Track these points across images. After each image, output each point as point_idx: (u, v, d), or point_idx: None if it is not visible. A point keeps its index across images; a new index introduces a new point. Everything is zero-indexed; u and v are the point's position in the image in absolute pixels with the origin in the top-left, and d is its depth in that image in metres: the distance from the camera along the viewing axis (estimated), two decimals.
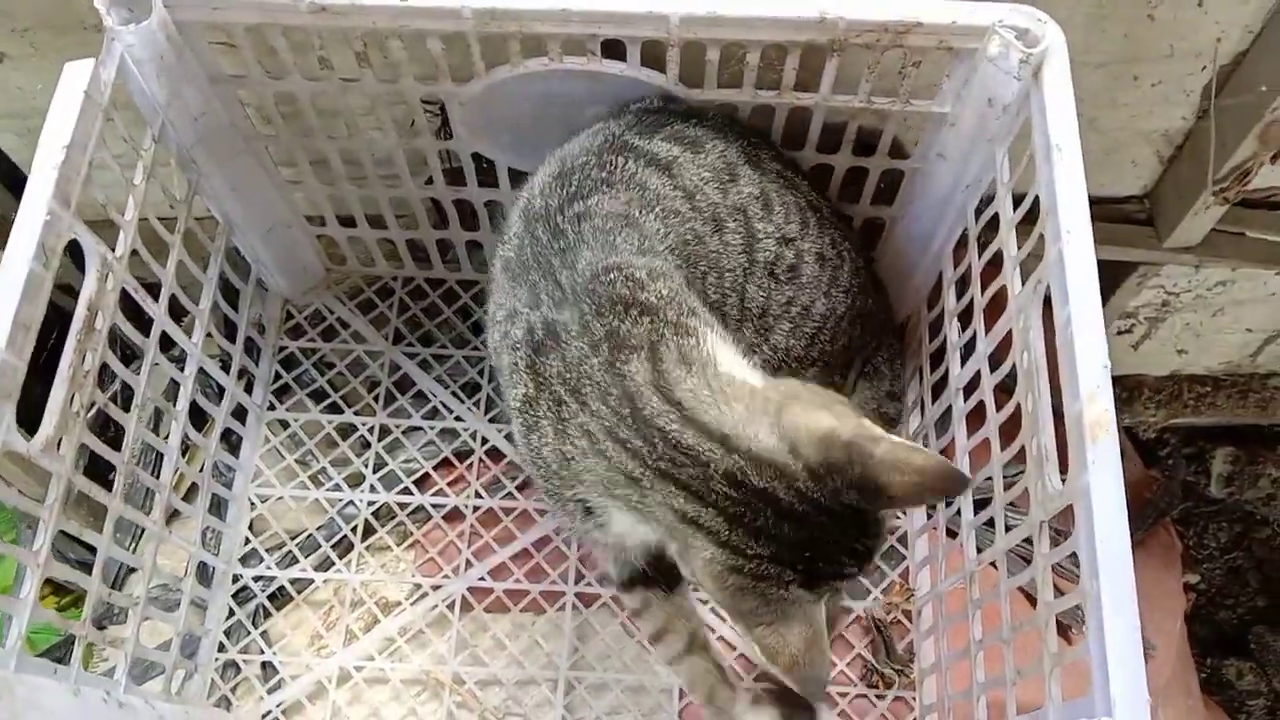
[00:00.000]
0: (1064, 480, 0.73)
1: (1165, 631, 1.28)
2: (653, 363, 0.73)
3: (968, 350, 0.95)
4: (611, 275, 0.77)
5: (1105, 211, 1.42)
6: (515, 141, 1.00)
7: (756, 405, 0.72)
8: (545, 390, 0.77)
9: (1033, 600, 0.94)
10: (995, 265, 0.90)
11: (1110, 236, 1.42)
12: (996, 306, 0.89)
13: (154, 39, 0.85)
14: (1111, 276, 1.55)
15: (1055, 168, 0.77)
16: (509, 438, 1.15)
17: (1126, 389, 1.89)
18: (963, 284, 0.98)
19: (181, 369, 1.01)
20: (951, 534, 1.01)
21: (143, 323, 0.92)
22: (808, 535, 0.70)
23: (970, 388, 0.95)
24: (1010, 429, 0.85)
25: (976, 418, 0.92)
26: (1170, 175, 1.42)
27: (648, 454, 0.72)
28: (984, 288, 0.92)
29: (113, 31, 0.83)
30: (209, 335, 1.05)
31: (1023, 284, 0.83)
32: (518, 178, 1.05)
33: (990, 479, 0.88)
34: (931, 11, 0.83)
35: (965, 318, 0.97)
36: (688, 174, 0.87)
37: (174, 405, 0.99)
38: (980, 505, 0.94)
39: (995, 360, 0.89)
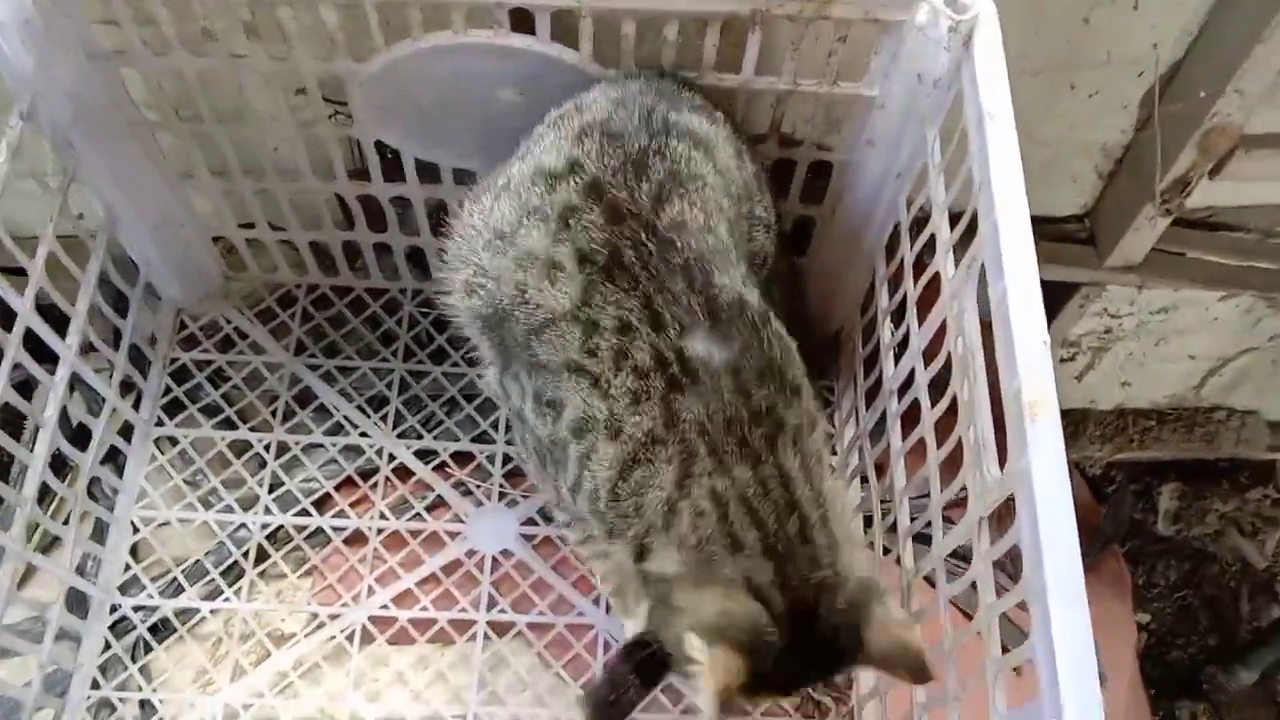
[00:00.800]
0: (1003, 470, 0.67)
1: (1117, 663, 1.22)
2: (800, 451, 0.72)
3: (901, 349, 0.89)
4: (765, 333, 0.74)
5: (1046, 231, 1.39)
6: (421, 128, 0.93)
7: (851, 530, 0.76)
8: (675, 434, 0.71)
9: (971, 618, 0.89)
10: (928, 261, 0.84)
11: (1051, 256, 1.39)
12: (929, 304, 0.83)
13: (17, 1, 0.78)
14: (1054, 299, 1.52)
15: (988, 136, 0.72)
16: (420, 454, 1.07)
17: (1072, 423, 1.86)
18: (895, 283, 0.93)
19: (54, 375, 0.92)
20: (888, 551, 0.95)
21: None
22: (806, 654, 0.70)
23: (904, 390, 0.89)
24: (946, 427, 0.79)
25: (912, 422, 0.86)
26: (1110, 192, 1.39)
27: (774, 532, 0.70)
28: (916, 280, 0.86)
29: None
30: (94, 349, 0.97)
31: (956, 269, 0.78)
32: (425, 171, 0.99)
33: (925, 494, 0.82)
34: None
35: (898, 316, 0.91)
36: (720, 151, 0.82)
37: (43, 413, 0.90)
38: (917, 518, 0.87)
39: (929, 355, 0.84)
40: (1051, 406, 0.64)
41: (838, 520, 0.73)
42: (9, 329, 0.84)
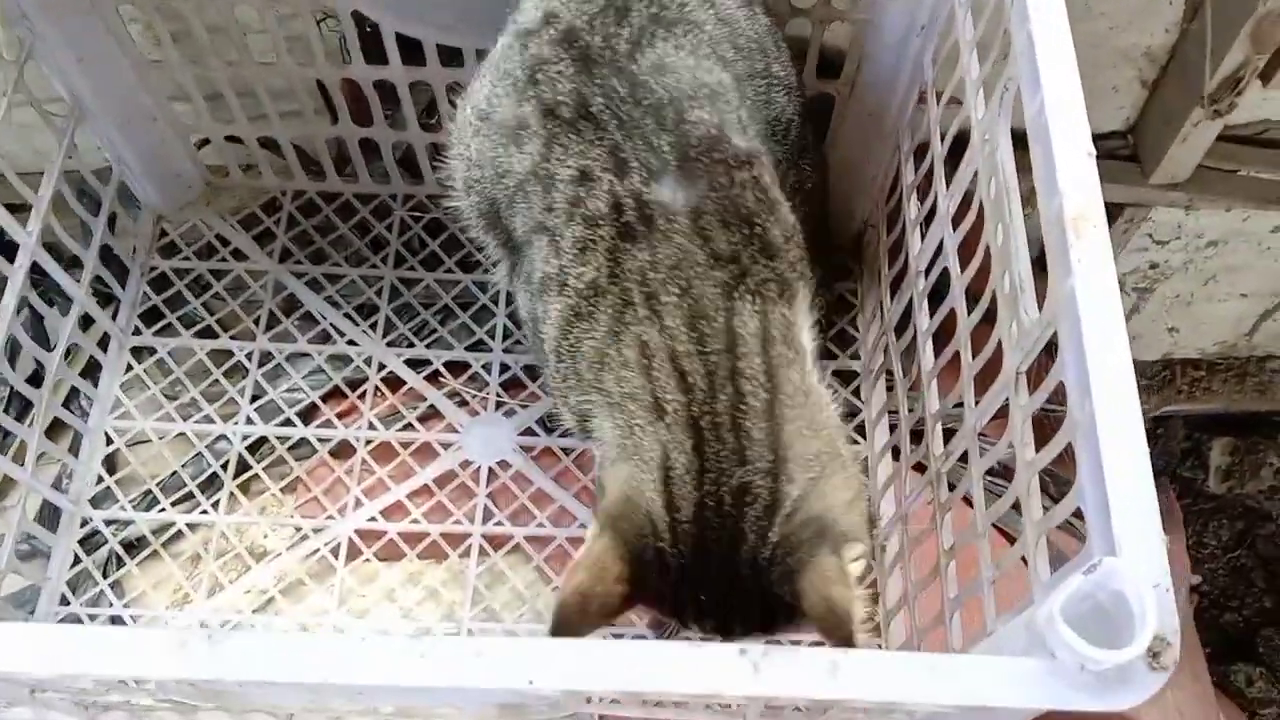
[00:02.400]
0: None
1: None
2: (762, 315, 0.65)
3: (928, 223, 0.81)
4: (743, 175, 0.66)
5: None
6: None
7: (822, 451, 0.63)
8: (618, 284, 0.65)
9: (1009, 538, 0.80)
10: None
11: None
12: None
13: None
14: None
15: None
16: (411, 364, 1.00)
17: None
18: (919, 156, 0.85)
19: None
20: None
21: None
22: (723, 590, 0.61)
23: (930, 270, 0.81)
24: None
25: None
26: (1155, 102, 1.30)
27: (702, 399, 0.62)
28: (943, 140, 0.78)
29: None
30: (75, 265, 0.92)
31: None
32: (409, 52, 0.92)
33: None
34: None
35: (924, 192, 0.83)
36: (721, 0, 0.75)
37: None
38: (949, 435, 0.78)
39: (956, 222, 0.76)
40: (1099, 222, 0.56)
41: (791, 423, 0.62)
42: None
